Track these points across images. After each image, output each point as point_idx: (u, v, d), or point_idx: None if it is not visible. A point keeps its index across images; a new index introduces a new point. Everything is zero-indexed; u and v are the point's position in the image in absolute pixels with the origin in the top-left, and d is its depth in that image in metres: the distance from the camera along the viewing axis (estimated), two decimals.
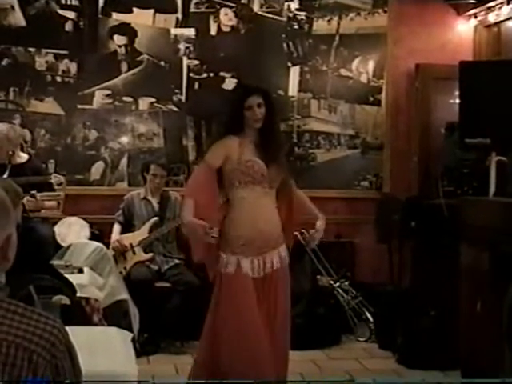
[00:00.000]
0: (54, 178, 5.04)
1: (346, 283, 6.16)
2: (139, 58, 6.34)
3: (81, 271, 4.95)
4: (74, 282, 3.82)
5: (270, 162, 3.88)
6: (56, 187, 4.96)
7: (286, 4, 6.51)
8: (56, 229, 5.57)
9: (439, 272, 5.35)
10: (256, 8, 6.49)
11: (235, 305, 3.77)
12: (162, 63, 6.37)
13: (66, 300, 3.36)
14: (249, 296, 3.77)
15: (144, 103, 6.38)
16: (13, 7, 6.11)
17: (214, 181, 3.85)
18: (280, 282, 3.91)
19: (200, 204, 3.75)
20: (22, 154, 5.46)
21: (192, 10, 6.38)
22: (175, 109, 6.41)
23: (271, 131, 3.93)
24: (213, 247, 3.83)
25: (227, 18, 6.46)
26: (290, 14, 6.54)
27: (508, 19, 6.18)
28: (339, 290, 6.10)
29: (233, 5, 6.43)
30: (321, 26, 6.59)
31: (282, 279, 3.92)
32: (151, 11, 6.34)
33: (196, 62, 6.41)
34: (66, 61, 6.24)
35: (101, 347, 2.82)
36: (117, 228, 5.94)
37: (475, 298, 3.81)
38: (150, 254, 5.81)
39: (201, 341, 3.95)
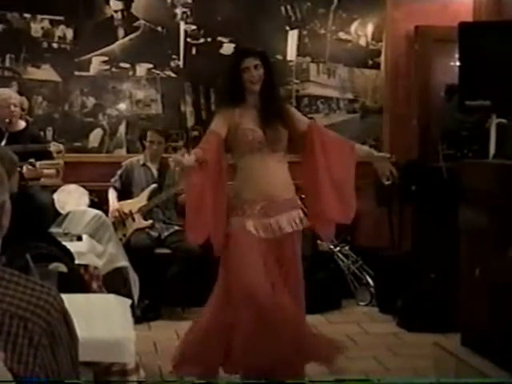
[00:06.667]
0: (53, 147, 5.04)
1: (347, 248, 6.17)
2: (136, 24, 6.28)
3: (79, 239, 4.92)
4: (73, 250, 3.80)
5: (268, 127, 3.87)
6: (55, 155, 4.95)
7: None
8: (55, 196, 5.56)
9: (439, 235, 5.36)
10: None
11: (241, 262, 3.79)
12: (159, 28, 6.31)
13: (62, 268, 3.35)
14: (254, 253, 3.78)
15: (141, 69, 6.33)
16: None
17: (223, 148, 3.84)
18: (291, 246, 3.93)
19: (208, 163, 3.72)
20: (19, 122, 5.44)
21: None
22: (173, 75, 6.36)
23: (270, 93, 3.91)
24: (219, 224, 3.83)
25: None
26: None
27: None
28: (339, 255, 6.12)
29: None
30: None
31: (293, 243, 3.94)
32: None
33: (193, 27, 6.35)
34: (62, 27, 6.18)
35: (98, 314, 2.82)
36: (113, 195, 5.93)
37: (474, 262, 3.81)
38: (150, 221, 5.81)
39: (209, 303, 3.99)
